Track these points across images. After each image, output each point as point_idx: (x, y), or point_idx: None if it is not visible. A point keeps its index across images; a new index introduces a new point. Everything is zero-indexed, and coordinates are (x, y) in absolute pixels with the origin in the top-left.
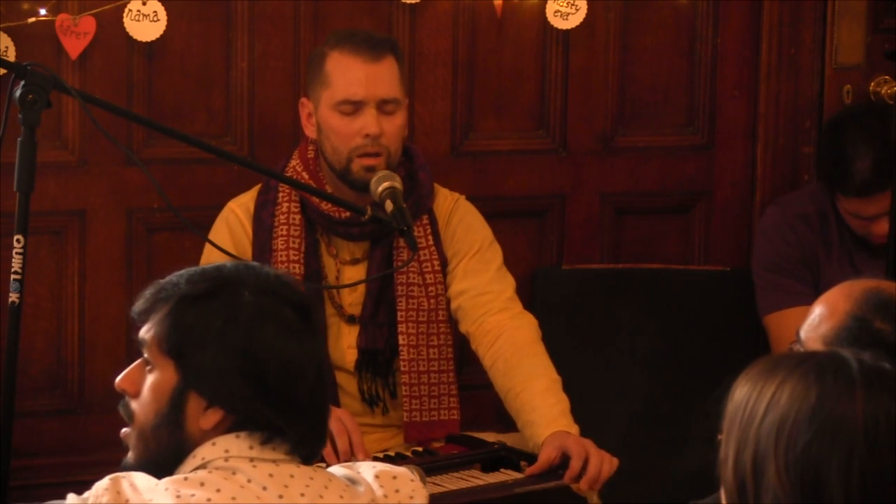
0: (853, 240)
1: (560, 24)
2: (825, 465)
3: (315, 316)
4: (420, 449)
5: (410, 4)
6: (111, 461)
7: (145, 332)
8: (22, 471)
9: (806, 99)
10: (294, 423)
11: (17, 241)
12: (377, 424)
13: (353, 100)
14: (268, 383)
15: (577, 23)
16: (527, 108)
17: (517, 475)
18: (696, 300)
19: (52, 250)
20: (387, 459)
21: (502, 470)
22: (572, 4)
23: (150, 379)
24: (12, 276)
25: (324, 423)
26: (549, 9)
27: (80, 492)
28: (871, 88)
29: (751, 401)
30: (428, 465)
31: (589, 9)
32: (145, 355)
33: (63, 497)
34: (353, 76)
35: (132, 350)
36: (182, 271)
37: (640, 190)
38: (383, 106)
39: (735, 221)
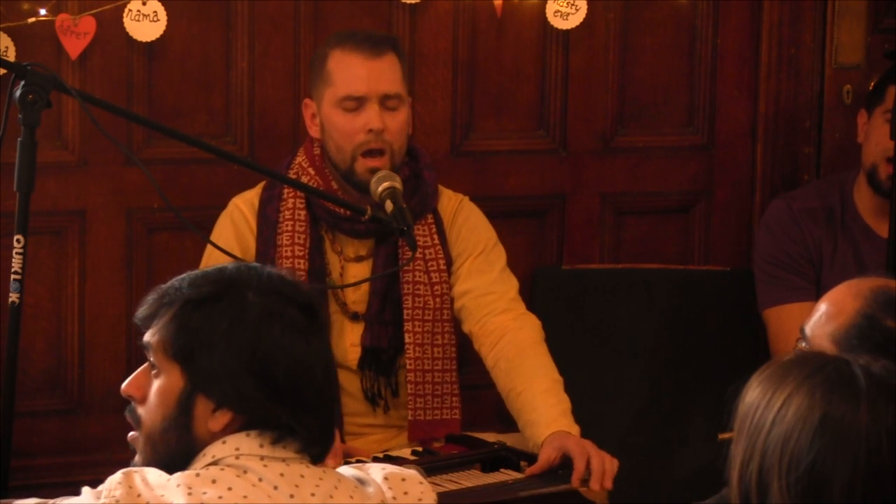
0: (860, 235)
1: (560, 24)
2: (828, 485)
3: (321, 315)
4: (420, 449)
5: (410, 4)
6: (111, 461)
7: (150, 336)
8: (22, 471)
9: (806, 99)
10: (303, 421)
11: (17, 241)
12: (378, 424)
13: (356, 95)
14: (276, 383)
15: (577, 23)
16: (527, 108)
17: (517, 475)
18: (696, 300)
19: (52, 250)
20: (386, 460)
21: (502, 470)
22: (572, 4)
23: (156, 384)
24: (12, 276)
25: (332, 421)
26: (549, 9)
27: (80, 492)
28: (870, 88)
29: (759, 408)
30: (428, 465)
31: (589, 9)
32: (151, 360)
33: (66, 495)
34: (354, 72)
35: (133, 350)
36: (183, 275)
37: (640, 190)
38: (386, 101)
39: (735, 221)
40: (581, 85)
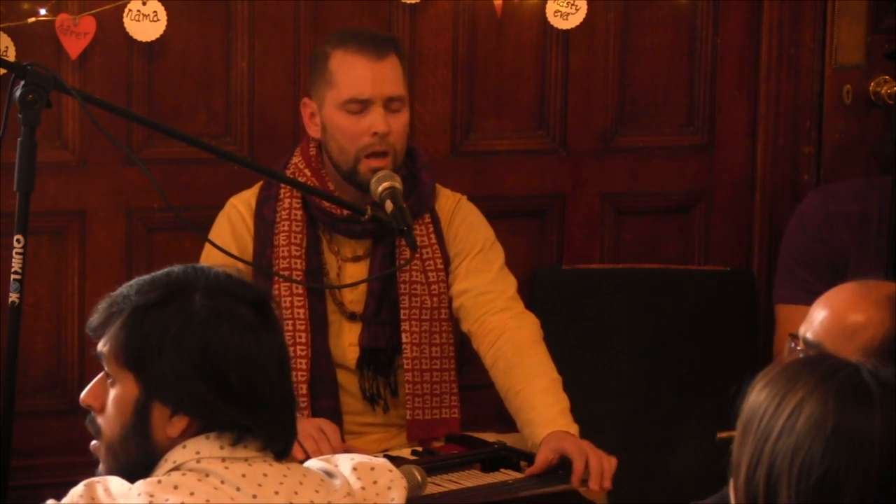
0: (893, 245)
1: (560, 24)
2: (840, 494)
3: (272, 311)
4: (420, 449)
5: (410, 4)
6: None
7: (102, 346)
8: (22, 471)
9: (806, 99)
10: (261, 420)
11: (17, 241)
12: (378, 424)
13: (360, 98)
14: (229, 384)
15: (577, 23)
16: (527, 108)
17: (517, 475)
18: (696, 300)
19: (52, 250)
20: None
21: (502, 470)
22: (572, 4)
23: (112, 393)
24: (12, 276)
25: (291, 416)
26: (549, 9)
27: None
28: (870, 88)
29: (767, 413)
30: (428, 465)
31: (589, 9)
32: (105, 369)
33: (58, 498)
34: (358, 75)
35: None
36: (132, 281)
37: (640, 190)
38: (389, 104)
39: (735, 221)
40: (581, 85)
